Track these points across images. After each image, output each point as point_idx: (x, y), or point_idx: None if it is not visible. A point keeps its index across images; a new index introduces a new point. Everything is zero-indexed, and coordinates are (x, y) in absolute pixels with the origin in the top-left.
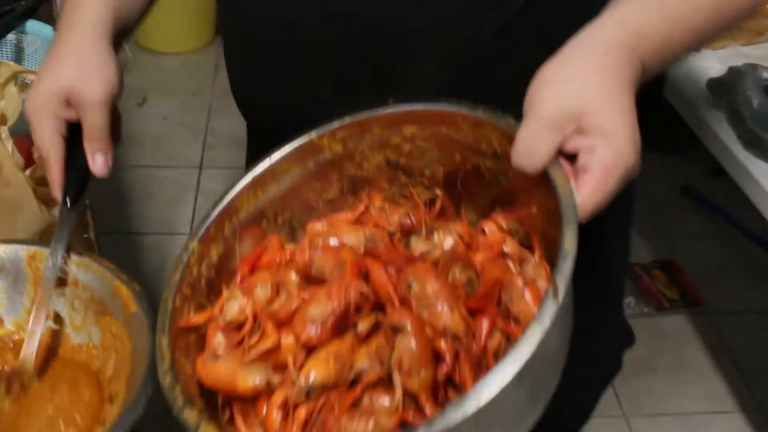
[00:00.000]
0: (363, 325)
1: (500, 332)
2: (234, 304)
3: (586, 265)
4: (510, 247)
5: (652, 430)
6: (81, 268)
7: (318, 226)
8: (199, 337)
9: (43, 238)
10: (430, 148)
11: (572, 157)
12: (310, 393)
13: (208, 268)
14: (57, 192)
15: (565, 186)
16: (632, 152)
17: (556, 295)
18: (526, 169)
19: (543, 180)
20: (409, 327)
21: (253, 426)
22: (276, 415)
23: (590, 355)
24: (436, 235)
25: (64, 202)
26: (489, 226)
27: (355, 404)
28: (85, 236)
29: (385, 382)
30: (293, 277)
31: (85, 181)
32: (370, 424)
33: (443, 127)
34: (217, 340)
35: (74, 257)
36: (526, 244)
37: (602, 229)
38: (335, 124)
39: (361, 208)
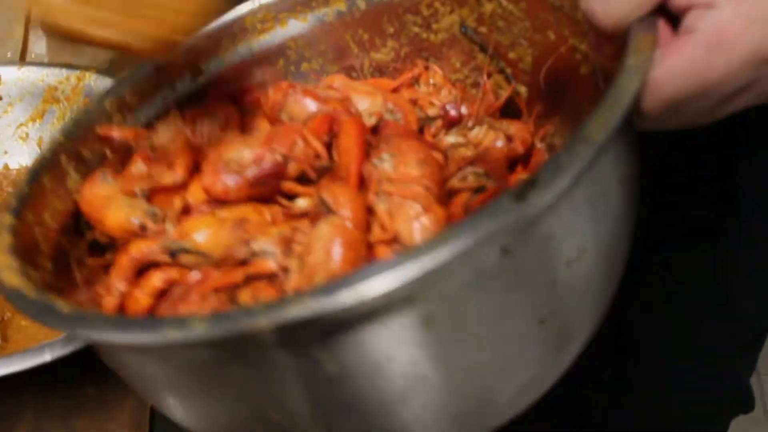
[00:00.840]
0: (305, 202)
1: None
2: (168, 128)
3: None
4: None
5: None
6: None
7: (337, 81)
8: (120, 158)
9: (112, 67)
10: (519, 16)
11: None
12: (177, 255)
13: (179, 85)
14: None
15: (643, 50)
16: None
17: (523, 196)
18: (598, 16)
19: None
20: (345, 213)
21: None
22: (125, 269)
23: (684, 413)
24: (476, 129)
25: None
26: None
27: (232, 291)
28: None
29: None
30: (260, 127)
31: None
32: None
33: None
34: (136, 167)
35: None
36: None
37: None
38: None
39: (408, 76)
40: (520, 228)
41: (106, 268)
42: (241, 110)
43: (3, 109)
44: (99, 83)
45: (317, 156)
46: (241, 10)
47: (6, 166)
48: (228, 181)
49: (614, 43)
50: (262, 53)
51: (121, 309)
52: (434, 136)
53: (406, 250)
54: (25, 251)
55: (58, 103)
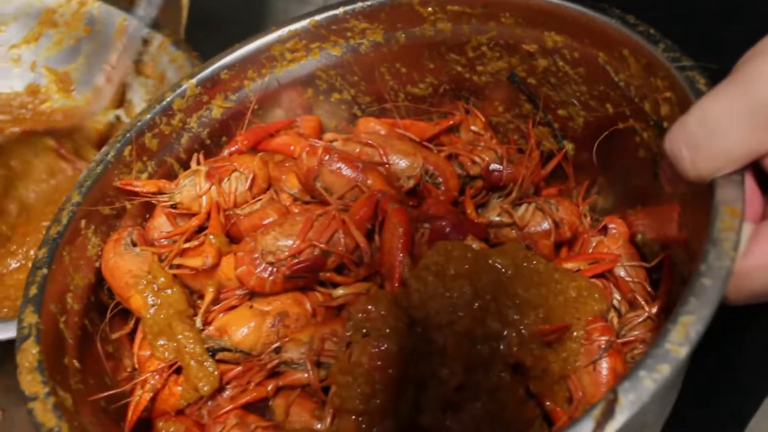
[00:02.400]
0: (344, 291)
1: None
2: (190, 186)
3: None
4: (629, 271)
5: None
6: (171, 63)
7: (372, 123)
8: (141, 209)
9: None
10: (575, 79)
11: None
12: (215, 354)
13: (201, 125)
14: None
15: (728, 230)
16: None
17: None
18: (684, 164)
19: (707, 198)
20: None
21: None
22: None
23: None
24: (523, 208)
25: None
26: (616, 227)
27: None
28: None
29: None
30: (289, 184)
31: None
32: None
33: (602, 53)
34: (158, 221)
35: (169, 48)
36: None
37: None
38: None
39: (449, 122)
40: None
41: (130, 335)
42: (266, 162)
43: None
44: (102, 11)
45: (357, 247)
46: (268, 38)
47: None
48: (263, 274)
49: (691, 184)
50: (289, 83)
51: (153, 402)
52: (474, 196)
53: None
54: (53, 357)
55: (55, 27)
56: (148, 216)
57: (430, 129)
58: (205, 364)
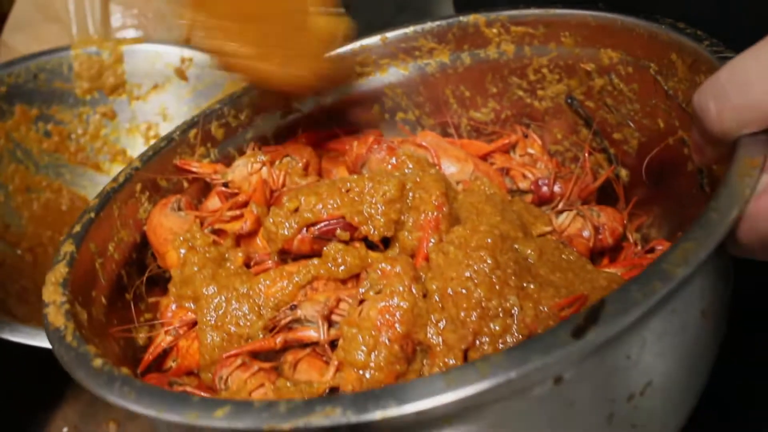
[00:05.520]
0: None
1: None
2: (243, 166)
3: None
4: None
5: None
6: None
7: (429, 137)
8: (198, 190)
9: None
10: (629, 97)
11: None
12: None
13: (267, 124)
14: None
15: (743, 175)
16: None
17: (580, 331)
18: (710, 116)
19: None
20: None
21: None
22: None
23: None
24: (564, 215)
25: None
26: (664, 248)
27: (278, 356)
28: None
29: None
30: (339, 175)
31: None
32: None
33: (653, 64)
34: (212, 202)
35: None
36: None
37: None
38: (511, 12)
39: (504, 142)
40: (575, 360)
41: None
42: (320, 155)
43: (188, 91)
44: None
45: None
46: (341, 50)
47: None
48: (295, 233)
49: (717, 149)
50: (357, 97)
51: (172, 349)
52: None
53: (443, 373)
54: (80, 284)
55: None
56: (203, 199)
57: (486, 147)
58: None
